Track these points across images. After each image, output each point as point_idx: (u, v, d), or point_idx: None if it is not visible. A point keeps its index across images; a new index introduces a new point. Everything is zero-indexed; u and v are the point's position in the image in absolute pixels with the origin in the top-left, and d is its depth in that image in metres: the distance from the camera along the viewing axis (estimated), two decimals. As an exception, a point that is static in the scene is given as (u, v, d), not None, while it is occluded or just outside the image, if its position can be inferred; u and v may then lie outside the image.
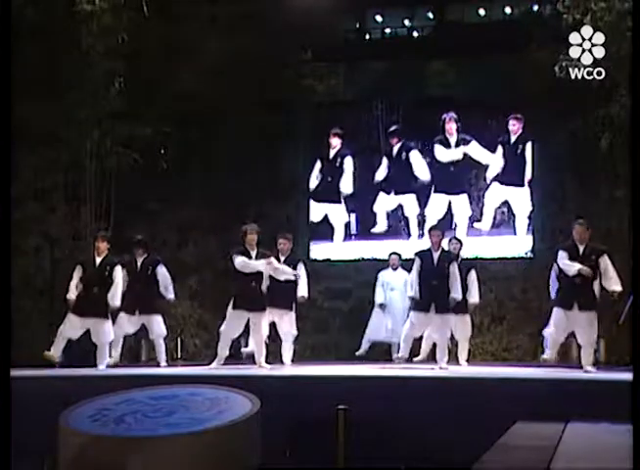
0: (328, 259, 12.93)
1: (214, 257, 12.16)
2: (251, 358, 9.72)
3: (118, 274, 9.52)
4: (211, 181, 12.31)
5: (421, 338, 10.06)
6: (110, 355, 9.64)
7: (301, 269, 9.99)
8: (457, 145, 12.46)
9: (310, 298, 12.27)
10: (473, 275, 10.20)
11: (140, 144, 11.38)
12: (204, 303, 12.07)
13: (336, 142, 13.02)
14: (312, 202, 13.10)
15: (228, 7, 12.02)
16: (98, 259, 9.50)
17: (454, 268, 9.44)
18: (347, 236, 12.94)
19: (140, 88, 11.42)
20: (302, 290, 9.91)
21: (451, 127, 12.40)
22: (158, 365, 10.01)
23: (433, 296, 9.31)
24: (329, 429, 6.09)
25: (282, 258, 9.83)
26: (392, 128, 12.89)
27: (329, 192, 13.01)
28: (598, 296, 8.71)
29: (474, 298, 10.18)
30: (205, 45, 11.85)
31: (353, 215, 12.96)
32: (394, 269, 11.27)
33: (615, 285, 8.63)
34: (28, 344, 9.98)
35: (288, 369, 9.58)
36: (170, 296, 10.00)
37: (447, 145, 12.51)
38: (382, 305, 11.27)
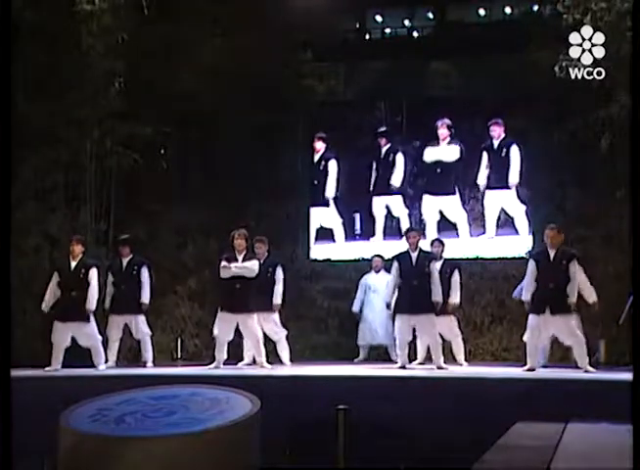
0: (328, 259, 12.90)
1: (214, 257, 12.12)
2: (251, 360, 9.76)
3: (94, 277, 9.52)
4: (211, 181, 12.30)
5: (414, 341, 10.03)
6: (106, 360, 9.69)
7: (279, 273, 9.98)
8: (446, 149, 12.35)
9: (310, 297, 12.31)
10: (456, 276, 10.14)
11: (140, 144, 11.37)
12: (204, 303, 12.06)
13: (320, 146, 12.91)
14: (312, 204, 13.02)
15: (228, 7, 12.01)
16: (73, 263, 9.51)
17: (433, 267, 9.46)
18: (351, 236, 12.89)
19: (140, 88, 11.41)
20: (277, 296, 9.91)
21: (443, 133, 12.32)
22: (144, 365, 9.99)
23: (413, 296, 9.31)
24: (329, 429, 6.09)
25: (260, 262, 9.82)
26: (381, 129, 12.82)
27: (329, 193, 12.97)
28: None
29: (453, 299, 10.09)
30: (206, 45, 11.85)
31: (357, 215, 12.90)
32: (377, 272, 11.24)
33: (589, 296, 8.83)
34: (28, 344, 9.98)
35: (288, 369, 9.59)
36: (144, 300, 9.99)
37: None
38: (357, 314, 11.35)
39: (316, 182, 12.95)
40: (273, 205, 12.61)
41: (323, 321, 12.48)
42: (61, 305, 9.42)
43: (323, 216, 12.94)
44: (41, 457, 6.59)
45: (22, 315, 10.22)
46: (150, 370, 9.68)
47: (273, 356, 10.00)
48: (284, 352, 10.03)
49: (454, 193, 12.38)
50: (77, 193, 11.31)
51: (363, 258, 12.59)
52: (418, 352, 10.15)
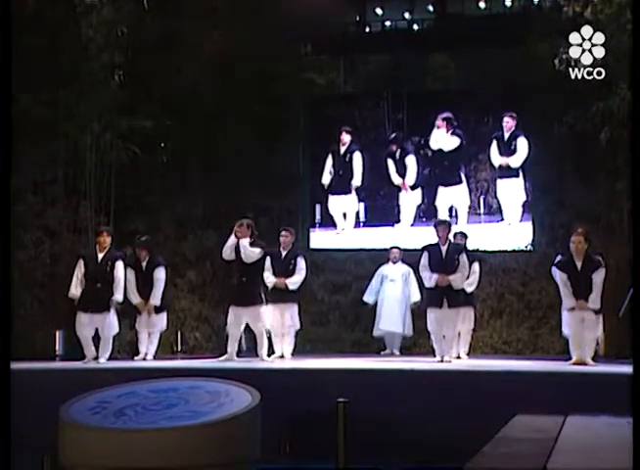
0: (328, 249, 12.84)
1: (214, 250, 12.14)
2: (253, 350, 9.80)
3: (120, 269, 9.59)
4: (211, 174, 12.29)
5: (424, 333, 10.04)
6: (137, 353, 9.98)
7: (301, 263, 9.99)
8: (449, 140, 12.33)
9: (310, 291, 12.32)
10: (475, 267, 10.15)
11: (140, 137, 11.35)
12: (204, 296, 12.06)
13: (346, 139, 12.88)
14: (329, 195, 12.97)
15: (228, 0, 11.99)
16: (100, 255, 9.55)
17: (463, 259, 9.42)
18: (356, 224, 12.86)
19: (140, 81, 11.40)
20: (294, 282, 9.87)
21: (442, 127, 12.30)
22: (144, 358, 10.00)
23: (444, 290, 9.29)
24: (329, 422, 6.10)
25: (283, 252, 9.85)
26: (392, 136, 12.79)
27: (340, 185, 12.93)
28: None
29: (471, 286, 10.11)
30: (205, 38, 11.83)
31: (362, 205, 12.88)
32: (394, 263, 11.26)
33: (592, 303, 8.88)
34: (28, 337, 10.00)
35: (288, 362, 9.59)
36: (155, 301, 10.04)
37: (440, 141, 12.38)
38: (368, 303, 11.35)
39: (341, 173, 12.91)
40: (273, 197, 12.60)
41: (323, 315, 12.49)
42: (85, 296, 9.46)
43: (343, 204, 12.91)
44: (42, 450, 6.60)
45: (21, 309, 10.23)
46: (149, 363, 9.69)
47: (273, 350, 9.99)
48: (289, 345, 10.01)
49: (461, 183, 12.37)
50: (77, 186, 11.29)
51: (363, 248, 12.58)
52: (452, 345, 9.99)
